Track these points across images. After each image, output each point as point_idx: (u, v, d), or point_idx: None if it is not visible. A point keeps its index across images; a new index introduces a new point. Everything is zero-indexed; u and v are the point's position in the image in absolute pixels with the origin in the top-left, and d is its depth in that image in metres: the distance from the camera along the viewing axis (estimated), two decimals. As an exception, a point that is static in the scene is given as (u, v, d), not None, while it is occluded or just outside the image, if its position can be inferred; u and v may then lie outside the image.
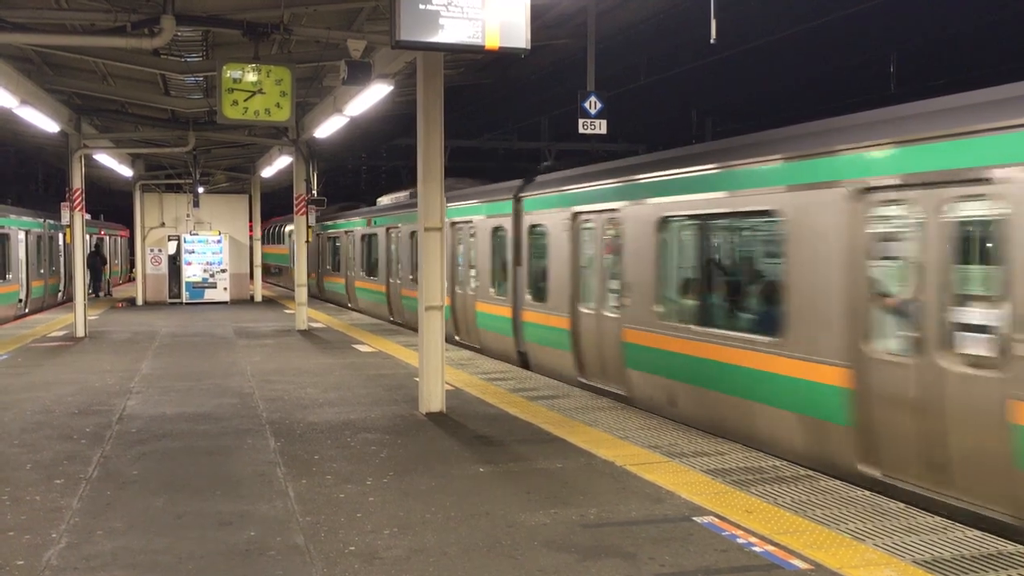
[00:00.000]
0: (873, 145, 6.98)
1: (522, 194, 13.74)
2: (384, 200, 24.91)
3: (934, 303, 6.43)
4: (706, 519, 5.89)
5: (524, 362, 13.61)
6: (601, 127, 13.60)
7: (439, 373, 9.61)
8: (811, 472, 7.11)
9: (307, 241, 20.16)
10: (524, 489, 6.62)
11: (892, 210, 6.94)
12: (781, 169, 7.99)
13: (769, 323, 8.13)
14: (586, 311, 11.60)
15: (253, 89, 10.07)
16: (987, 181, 6.06)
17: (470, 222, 15.71)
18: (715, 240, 9.98)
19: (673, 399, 9.49)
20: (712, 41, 10.52)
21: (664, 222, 9.82)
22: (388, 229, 21.56)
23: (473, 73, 15.08)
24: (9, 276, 22.58)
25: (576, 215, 11.83)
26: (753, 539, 5.49)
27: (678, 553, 5.26)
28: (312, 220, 20.52)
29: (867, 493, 6.50)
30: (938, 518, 5.92)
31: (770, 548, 5.33)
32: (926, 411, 6.43)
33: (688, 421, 9.10)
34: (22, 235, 23.90)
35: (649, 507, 6.17)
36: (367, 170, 43.58)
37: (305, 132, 17.82)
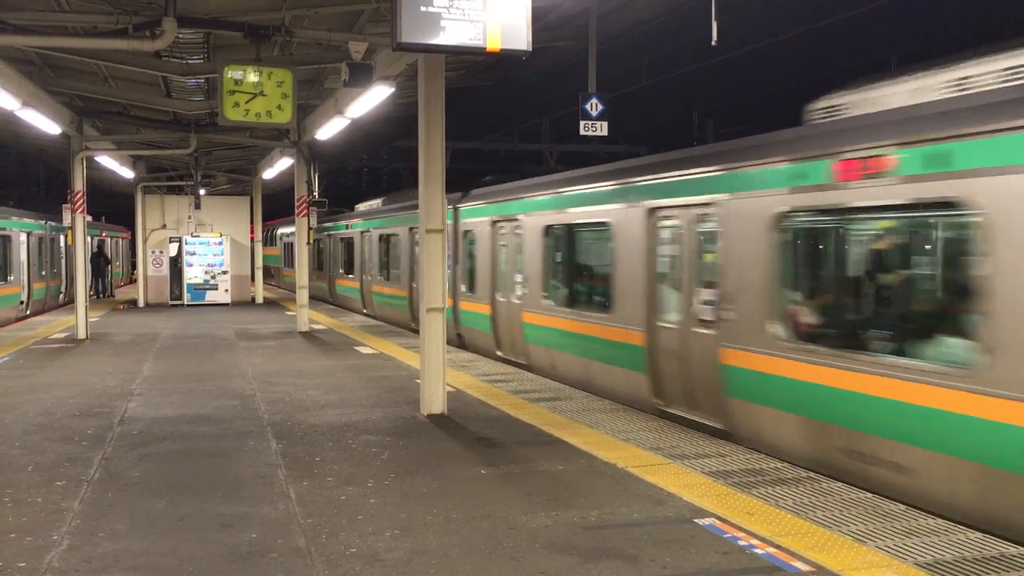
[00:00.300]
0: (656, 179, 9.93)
1: (459, 204, 16.44)
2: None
3: (687, 286, 9.24)
4: (707, 521, 5.88)
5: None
6: (602, 129, 13.57)
7: (440, 375, 9.61)
8: (812, 474, 7.10)
9: (308, 243, 20.14)
10: (525, 491, 6.62)
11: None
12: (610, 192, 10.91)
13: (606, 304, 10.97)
14: (501, 299, 14.52)
15: (254, 91, 10.07)
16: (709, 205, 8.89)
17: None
18: (585, 241, 12.67)
19: (553, 364, 12.47)
20: (713, 43, 10.50)
21: (547, 229, 12.81)
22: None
23: (474, 75, 15.09)
24: (11, 278, 22.60)
25: (494, 222, 14.79)
26: (755, 541, 5.49)
27: (679, 555, 5.26)
28: (313, 222, 20.50)
29: (868, 495, 6.49)
30: (940, 520, 5.91)
31: (772, 550, 5.33)
32: (682, 359, 9.24)
33: (561, 379, 11.95)
34: (24, 237, 23.91)
35: (650, 509, 6.17)
36: (368, 172, 43.60)
37: (306, 134, 17.83)
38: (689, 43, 16.42)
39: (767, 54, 17.88)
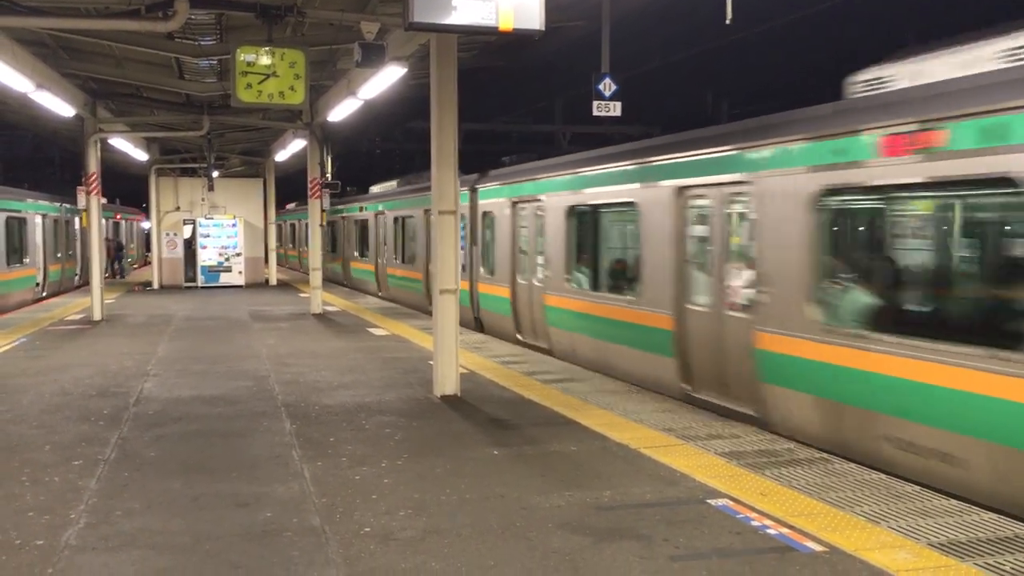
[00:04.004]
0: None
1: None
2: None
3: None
4: (720, 501, 5.89)
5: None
6: (616, 109, 13.47)
7: (453, 356, 9.62)
8: (825, 455, 7.09)
9: (321, 225, 20.17)
10: (538, 472, 6.63)
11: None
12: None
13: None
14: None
15: (267, 72, 10.04)
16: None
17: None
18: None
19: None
20: (728, 21, 10.39)
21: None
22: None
23: (487, 55, 15.01)
24: (27, 260, 22.74)
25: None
26: (768, 521, 5.49)
27: (692, 535, 5.26)
28: (327, 204, 20.51)
29: (883, 476, 6.47)
30: (954, 501, 5.89)
31: (785, 530, 5.33)
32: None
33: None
34: (39, 219, 24.04)
35: (663, 489, 6.17)
36: (381, 154, 43.54)
37: (319, 115, 17.81)
38: (703, 22, 16.29)
39: (783, 33, 17.72)
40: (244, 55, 9.99)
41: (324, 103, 16.91)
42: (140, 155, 25.34)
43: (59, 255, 26.50)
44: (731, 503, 5.85)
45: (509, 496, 6.04)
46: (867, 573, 4.69)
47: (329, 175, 20.56)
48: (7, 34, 12.04)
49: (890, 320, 7.23)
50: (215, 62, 14.95)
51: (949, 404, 6.38)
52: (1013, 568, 4.73)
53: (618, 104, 13.43)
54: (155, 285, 27.71)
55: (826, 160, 7.57)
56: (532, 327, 14.00)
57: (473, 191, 16.39)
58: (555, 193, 12.95)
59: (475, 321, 16.39)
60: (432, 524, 5.48)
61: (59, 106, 14.86)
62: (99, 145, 18.24)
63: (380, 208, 24.50)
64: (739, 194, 8.79)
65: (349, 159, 42.15)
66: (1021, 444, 5.86)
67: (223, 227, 27.70)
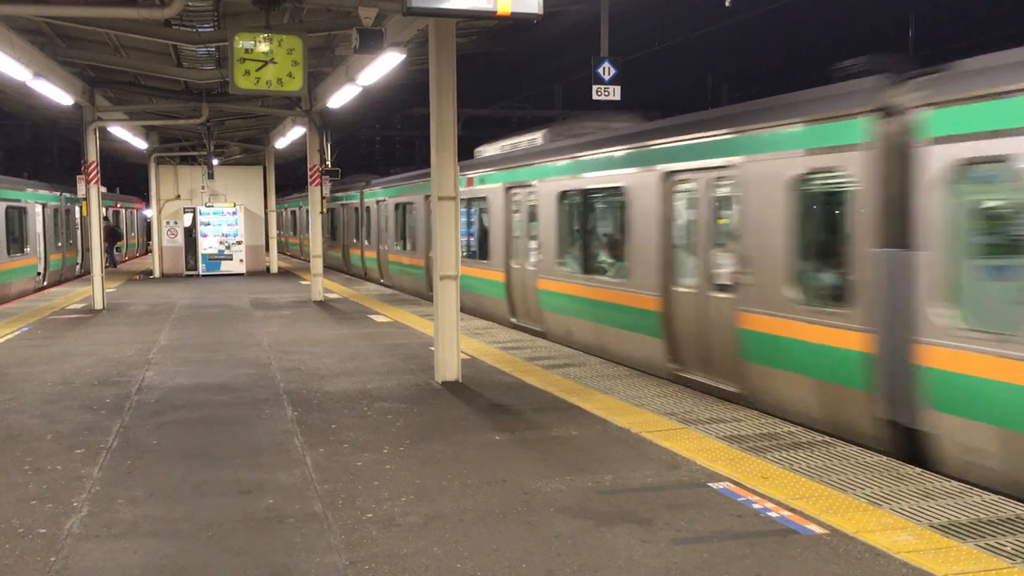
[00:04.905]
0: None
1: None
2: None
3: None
4: (722, 485, 5.90)
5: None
6: (615, 93, 13.41)
7: (454, 342, 9.63)
8: (827, 438, 7.10)
9: (321, 212, 20.15)
10: (540, 456, 6.64)
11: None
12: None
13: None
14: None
15: (265, 59, 10.00)
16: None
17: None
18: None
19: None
20: (727, 4, 10.35)
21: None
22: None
23: (486, 40, 14.95)
24: (27, 250, 22.74)
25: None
26: (769, 504, 5.50)
27: (694, 519, 5.27)
28: (327, 191, 20.48)
29: (883, 459, 6.48)
30: (955, 483, 5.90)
31: (786, 513, 5.34)
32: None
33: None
34: (39, 209, 24.03)
35: (665, 473, 6.18)
36: (380, 141, 43.49)
37: (318, 102, 17.76)
38: (703, 5, 16.22)
39: (783, 15, 17.64)
40: (242, 42, 9.95)
41: (323, 90, 16.85)
42: (139, 143, 25.30)
43: (59, 244, 26.51)
44: (732, 486, 5.86)
45: (511, 481, 6.05)
46: (869, 555, 4.70)
47: (329, 162, 20.51)
48: (4, 22, 12.00)
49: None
50: (213, 49, 14.90)
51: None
52: (1014, 549, 4.74)
53: (618, 88, 13.37)
54: (156, 273, 27.72)
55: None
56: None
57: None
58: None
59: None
60: (434, 509, 5.49)
61: (57, 94, 14.81)
62: (98, 133, 18.20)
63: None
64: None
65: (349, 146, 42.12)
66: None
67: (223, 215, 27.68)
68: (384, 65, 11.99)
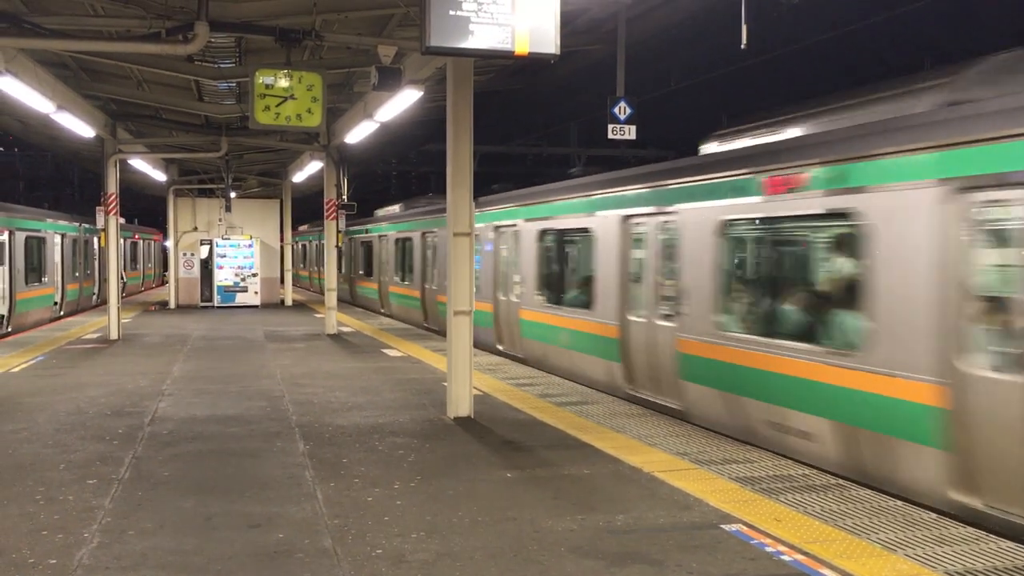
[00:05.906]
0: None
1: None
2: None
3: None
4: (734, 527, 5.85)
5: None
6: (631, 132, 13.51)
7: (467, 378, 9.63)
8: (841, 481, 7.04)
9: (337, 246, 20.27)
10: (551, 495, 6.61)
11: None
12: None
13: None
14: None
15: (285, 95, 10.15)
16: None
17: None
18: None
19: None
20: (743, 46, 10.44)
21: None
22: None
23: (503, 78, 15.11)
24: (45, 279, 22.93)
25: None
26: (782, 547, 5.44)
27: (706, 561, 5.22)
28: (342, 225, 20.62)
29: (898, 503, 6.42)
30: (971, 529, 5.83)
31: (799, 557, 5.28)
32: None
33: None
34: (58, 239, 24.26)
35: (677, 514, 6.14)
36: (397, 175, 43.74)
37: (336, 137, 17.95)
38: (719, 46, 16.34)
39: (797, 57, 17.75)
40: (263, 78, 10.11)
41: (341, 125, 17.04)
42: (159, 175, 25.58)
43: (77, 274, 26.71)
44: (745, 528, 5.81)
45: (522, 519, 6.02)
46: (883, 601, 4.64)
47: (345, 196, 20.67)
48: (31, 56, 12.23)
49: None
50: (234, 84, 15.12)
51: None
52: (1031, 598, 4.67)
53: (633, 127, 13.47)
54: (171, 304, 27.87)
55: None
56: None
57: None
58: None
59: None
60: (444, 547, 5.46)
61: (80, 127, 15.04)
62: (118, 165, 18.44)
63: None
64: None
65: (366, 180, 42.39)
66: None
67: (239, 247, 27.88)
68: (402, 102, 12.14)
